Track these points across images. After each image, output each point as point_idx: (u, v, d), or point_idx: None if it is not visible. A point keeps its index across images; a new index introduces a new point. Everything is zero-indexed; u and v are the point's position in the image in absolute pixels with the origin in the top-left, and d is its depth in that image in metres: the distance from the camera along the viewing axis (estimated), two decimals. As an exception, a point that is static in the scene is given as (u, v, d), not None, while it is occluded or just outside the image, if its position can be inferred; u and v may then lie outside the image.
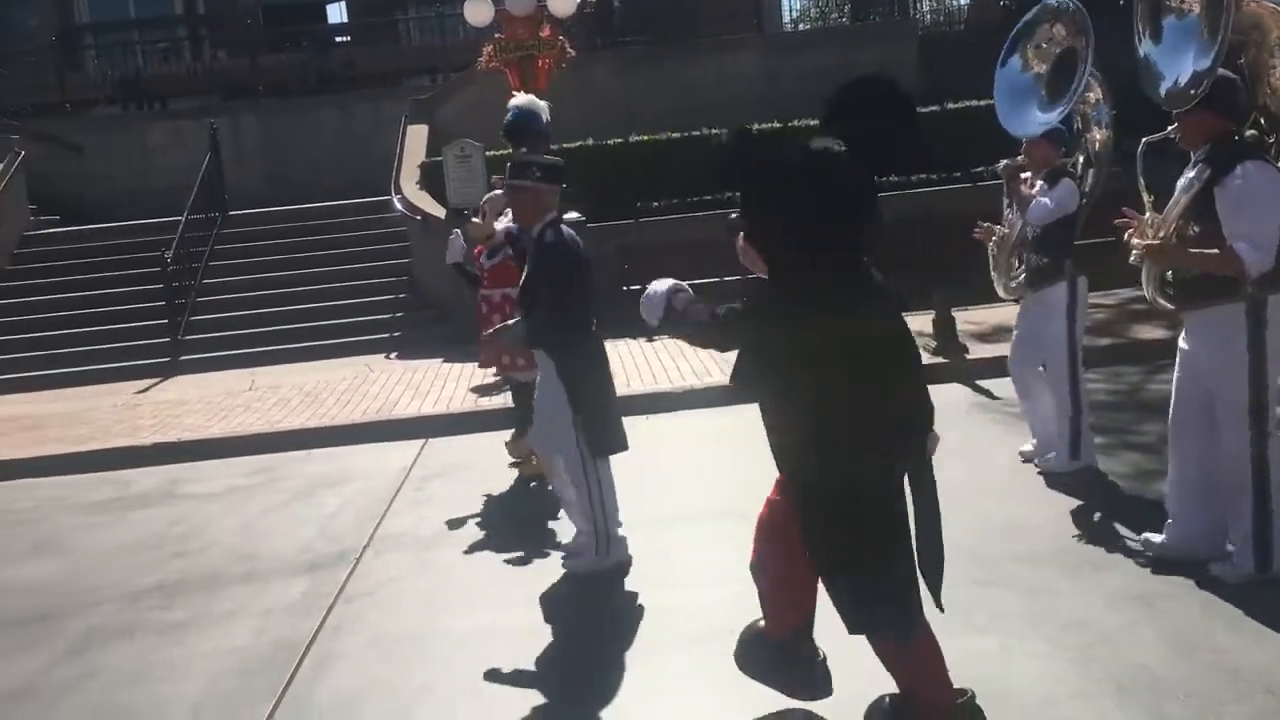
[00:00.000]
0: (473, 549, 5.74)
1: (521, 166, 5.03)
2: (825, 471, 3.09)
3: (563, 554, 5.31)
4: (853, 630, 3.20)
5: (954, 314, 8.91)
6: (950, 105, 13.08)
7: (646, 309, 3.40)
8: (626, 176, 13.13)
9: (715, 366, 9.50)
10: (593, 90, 15.67)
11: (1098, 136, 6.05)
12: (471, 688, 3.98)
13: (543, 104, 5.11)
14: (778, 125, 13.82)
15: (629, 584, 4.96)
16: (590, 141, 13.71)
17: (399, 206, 13.26)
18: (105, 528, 6.87)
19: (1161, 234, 4.30)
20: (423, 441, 8.03)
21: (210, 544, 6.30)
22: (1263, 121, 4.45)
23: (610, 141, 13.79)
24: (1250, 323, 4.18)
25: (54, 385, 11.80)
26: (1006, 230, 6.16)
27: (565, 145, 13.11)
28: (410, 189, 13.39)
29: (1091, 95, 5.94)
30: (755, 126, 13.72)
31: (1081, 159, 5.99)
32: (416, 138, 15.05)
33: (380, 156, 14.82)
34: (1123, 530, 5.04)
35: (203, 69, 21.57)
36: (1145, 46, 4.41)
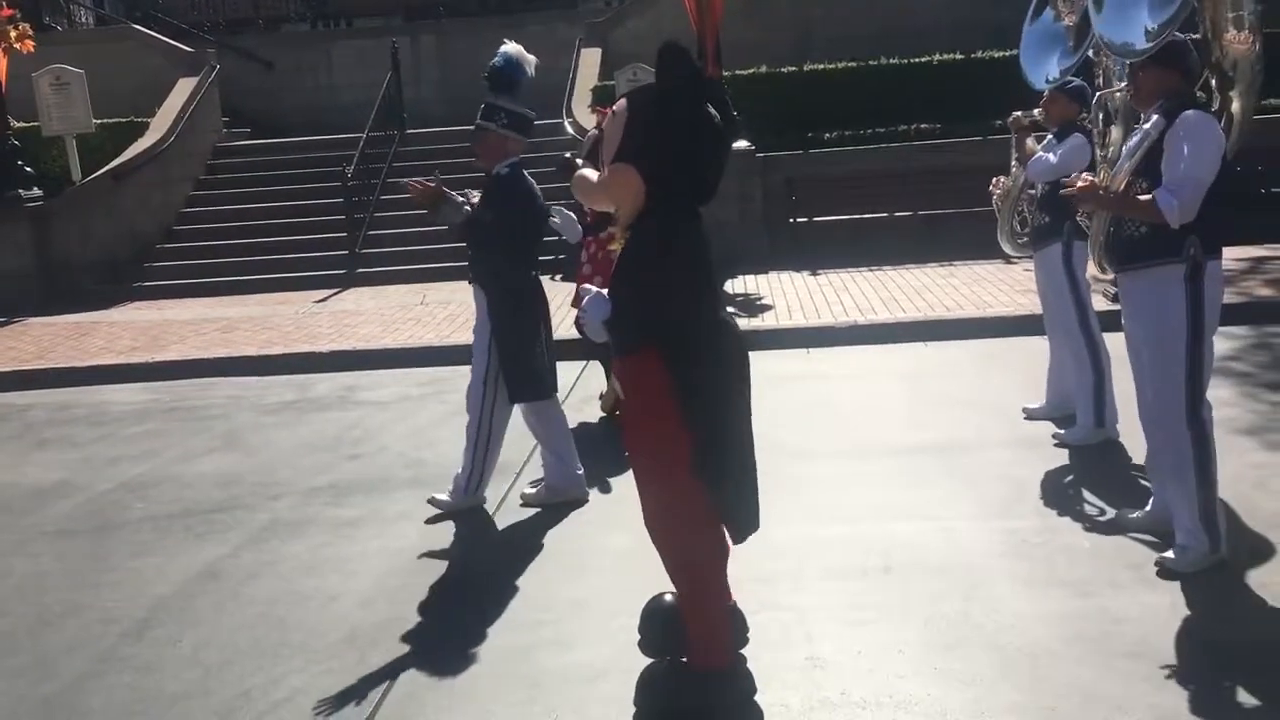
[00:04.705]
0: (621, 469, 5.82)
1: (491, 110, 5.15)
2: None
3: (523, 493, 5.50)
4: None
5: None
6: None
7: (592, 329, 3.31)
8: (798, 106, 12.92)
9: (879, 302, 9.37)
10: (769, 13, 15.38)
11: (1118, 92, 5.71)
12: (624, 605, 4.06)
13: (531, 58, 5.18)
14: (959, 56, 13.35)
15: (772, 513, 4.96)
16: (763, 69, 13.51)
17: (569, 129, 13.36)
18: (285, 427, 7.27)
19: (1110, 187, 4.13)
20: (584, 363, 8.17)
21: (381, 449, 6.60)
22: (1213, 82, 4.33)
23: (784, 69, 13.55)
24: (1189, 288, 3.98)
25: (240, 290, 12.51)
26: (1010, 185, 5.94)
27: (738, 72, 12.99)
28: (581, 112, 13.47)
29: None
30: (936, 58, 13.31)
31: (1101, 115, 5.68)
32: (590, 61, 15.11)
33: (554, 79, 14.91)
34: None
35: (386, -12, 22.03)
36: (1094, 19, 4.32)
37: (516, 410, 5.39)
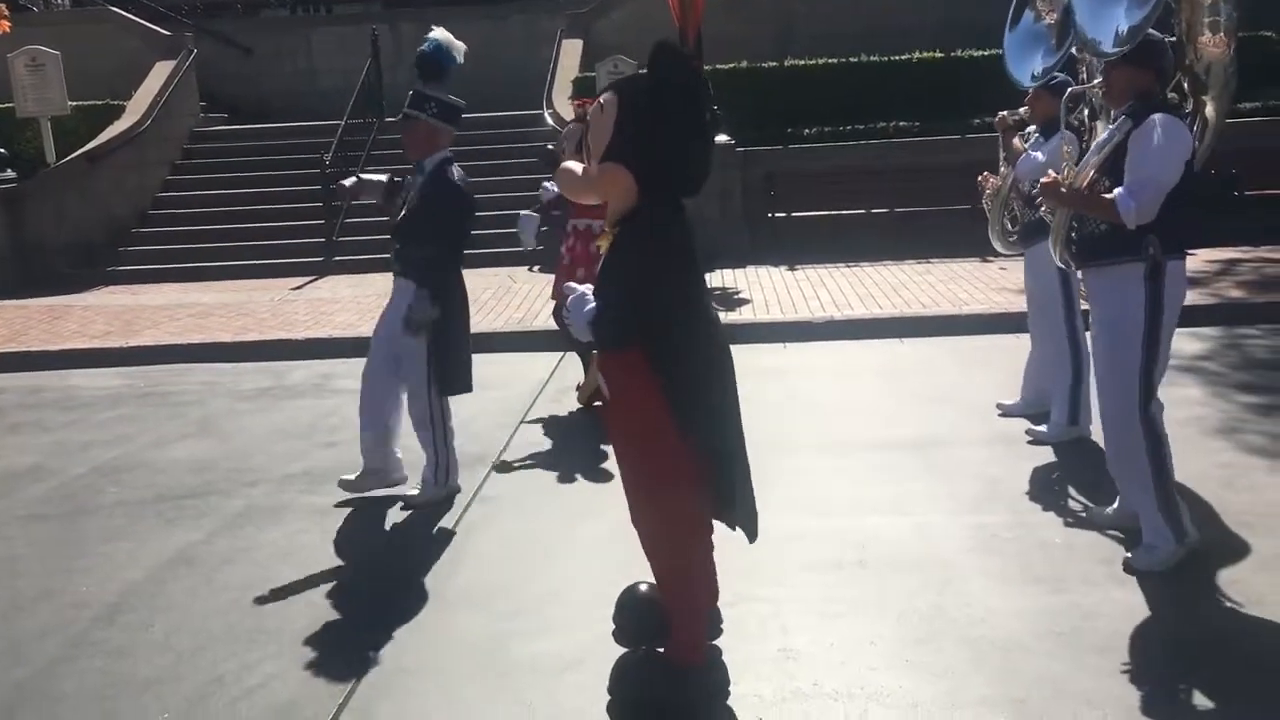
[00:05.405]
0: (598, 459, 5.86)
1: (421, 99, 5.06)
2: None
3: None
4: None
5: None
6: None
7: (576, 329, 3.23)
8: (779, 101, 12.96)
9: (856, 298, 9.41)
10: (751, 8, 15.38)
11: (1099, 88, 5.76)
12: (597, 594, 4.05)
13: (460, 45, 5.13)
14: (939, 55, 13.41)
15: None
16: (744, 64, 13.53)
17: (549, 120, 13.35)
18: (260, 414, 7.24)
19: (1073, 184, 4.18)
20: (560, 354, 8.18)
21: (357, 437, 6.55)
22: (1185, 85, 4.35)
23: (765, 65, 13.58)
24: (1149, 286, 4.02)
25: (215, 276, 12.43)
26: (1000, 183, 6.00)
27: (719, 67, 12.99)
28: (562, 103, 13.45)
29: None
30: (913, 56, 13.36)
31: (1087, 111, 5.74)
32: (571, 52, 15.08)
33: (535, 70, 14.90)
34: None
35: (367, -25, 21.91)
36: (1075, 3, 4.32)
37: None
